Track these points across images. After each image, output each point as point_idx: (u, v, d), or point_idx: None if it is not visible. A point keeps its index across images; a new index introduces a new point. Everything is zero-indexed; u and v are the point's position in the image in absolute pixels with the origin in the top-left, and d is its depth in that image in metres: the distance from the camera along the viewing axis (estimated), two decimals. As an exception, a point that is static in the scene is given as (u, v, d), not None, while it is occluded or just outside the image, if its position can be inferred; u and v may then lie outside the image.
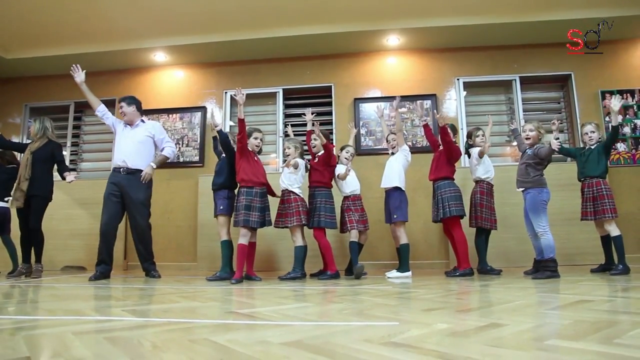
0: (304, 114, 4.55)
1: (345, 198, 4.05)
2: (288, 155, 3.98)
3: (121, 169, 4.13)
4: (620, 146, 5.29)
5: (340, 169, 4.01)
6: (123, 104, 4.28)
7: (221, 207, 3.89)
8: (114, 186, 4.11)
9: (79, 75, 4.20)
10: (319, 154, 4.07)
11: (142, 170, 4.15)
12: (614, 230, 3.71)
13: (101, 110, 4.37)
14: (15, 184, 4.27)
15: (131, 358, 1.08)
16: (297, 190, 3.87)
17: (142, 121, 4.35)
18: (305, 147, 4.27)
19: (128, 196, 4.09)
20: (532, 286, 2.85)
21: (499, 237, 4.39)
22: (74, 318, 1.77)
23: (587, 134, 3.92)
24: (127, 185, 4.09)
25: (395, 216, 3.93)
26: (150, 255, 4.25)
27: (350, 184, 4.06)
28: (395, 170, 4.00)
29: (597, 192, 3.77)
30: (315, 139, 4.13)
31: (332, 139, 4.81)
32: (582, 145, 4.14)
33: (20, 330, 1.48)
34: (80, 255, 5.27)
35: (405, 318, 1.66)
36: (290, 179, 3.89)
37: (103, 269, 4.03)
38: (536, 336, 1.28)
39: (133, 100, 4.32)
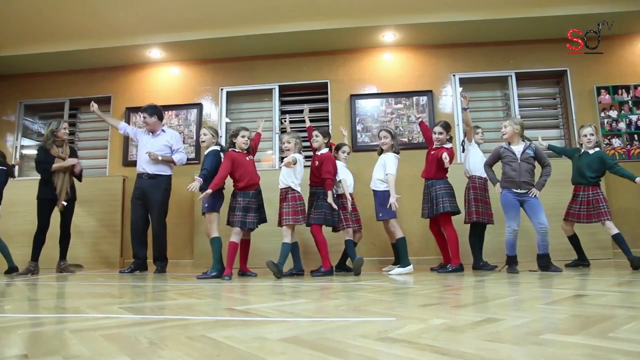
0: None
1: (339, 196, 4.01)
2: (287, 149, 3.94)
3: (144, 175, 4.53)
4: (616, 142, 5.32)
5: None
6: (145, 115, 4.59)
7: (206, 205, 3.89)
8: (138, 190, 4.53)
9: (93, 106, 4.71)
10: (320, 152, 4.04)
11: (161, 175, 4.55)
12: (612, 229, 3.73)
13: (122, 127, 4.84)
14: (58, 188, 4.39)
15: (128, 355, 1.08)
16: (297, 188, 3.82)
17: (163, 130, 4.70)
18: (306, 143, 4.24)
19: (149, 198, 4.50)
20: (527, 281, 2.87)
21: (494, 232, 4.40)
22: (72, 315, 1.77)
23: (585, 136, 3.88)
24: (148, 188, 4.50)
25: (380, 215, 3.93)
26: (162, 256, 4.55)
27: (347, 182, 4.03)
28: (381, 175, 3.98)
29: (593, 197, 3.80)
30: (317, 136, 4.09)
31: (330, 136, 4.77)
32: (578, 146, 4.13)
33: (17, 328, 1.48)
34: (77, 253, 5.24)
35: (401, 313, 1.66)
36: (290, 174, 3.84)
37: (135, 263, 4.46)
38: (531, 331, 1.29)
39: (154, 111, 4.61)
